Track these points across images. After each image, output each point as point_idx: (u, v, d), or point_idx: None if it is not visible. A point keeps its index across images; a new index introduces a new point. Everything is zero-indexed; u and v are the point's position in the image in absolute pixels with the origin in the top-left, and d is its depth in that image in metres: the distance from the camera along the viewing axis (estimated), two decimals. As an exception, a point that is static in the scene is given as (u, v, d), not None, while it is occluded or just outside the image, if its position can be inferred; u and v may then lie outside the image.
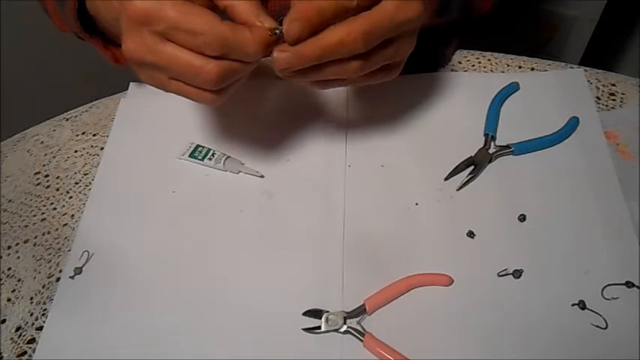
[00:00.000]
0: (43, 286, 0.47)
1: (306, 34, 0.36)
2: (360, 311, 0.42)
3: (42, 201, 0.53)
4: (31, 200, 0.53)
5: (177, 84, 0.39)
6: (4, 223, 0.52)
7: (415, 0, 0.39)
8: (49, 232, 0.51)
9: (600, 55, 1.25)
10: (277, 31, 0.36)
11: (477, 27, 0.61)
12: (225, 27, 0.35)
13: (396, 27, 0.39)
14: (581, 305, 0.41)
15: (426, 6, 0.41)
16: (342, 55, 0.37)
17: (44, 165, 0.56)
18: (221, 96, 0.39)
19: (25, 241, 0.50)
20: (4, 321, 0.45)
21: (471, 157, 0.50)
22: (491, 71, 0.58)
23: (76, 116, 0.60)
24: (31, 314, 0.46)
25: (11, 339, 0.44)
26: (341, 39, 0.36)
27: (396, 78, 0.57)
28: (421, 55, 0.48)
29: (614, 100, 0.54)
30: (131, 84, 0.60)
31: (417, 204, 0.48)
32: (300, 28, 0.36)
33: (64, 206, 0.52)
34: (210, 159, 0.52)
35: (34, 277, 0.48)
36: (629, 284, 0.42)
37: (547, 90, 0.55)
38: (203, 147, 0.53)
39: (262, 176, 0.51)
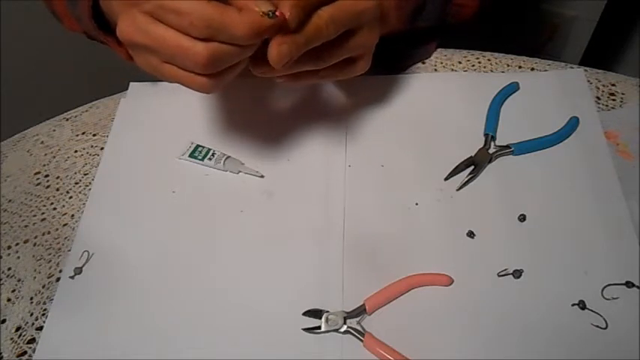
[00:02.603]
0: (43, 286, 0.47)
1: (302, 20, 0.38)
2: (360, 311, 0.42)
3: (42, 201, 0.53)
4: (31, 200, 0.53)
5: (170, 68, 0.38)
6: (4, 223, 0.52)
7: None
8: (49, 232, 0.51)
9: (600, 55, 1.25)
10: (270, 14, 0.35)
11: (460, 30, 0.62)
12: (212, 8, 0.35)
13: (357, 15, 0.42)
14: (581, 305, 0.41)
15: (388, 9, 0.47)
16: (319, 41, 0.40)
17: (44, 165, 0.56)
18: (215, 81, 0.38)
19: (25, 241, 0.50)
20: (4, 321, 0.45)
21: (470, 157, 0.50)
22: (491, 71, 0.58)
23: (76, 116, 0.60)
24: (31, 314, 0.46)
25: (11, 339, 0.44)
26: (317, 26, 0.39)
27: (396, 78, 0.57)
28: (396, 53, 0.52)
29: (614, 100, 0.54)
30: (131, 84, 0.60)
31: (417, 204, 0.48)
32: (301, 13, 0.38)
33: (64, 206, 0.52)
34: (210, 159, 0.52)
35: (34, 277, 0.48)
36: (629, 284, 0.42)
37: (547, 90, 0.55)
38: (203, 147, 0.53)
39: (262, 176, 0.51)
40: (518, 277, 0.43)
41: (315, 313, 0.43)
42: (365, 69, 0.47)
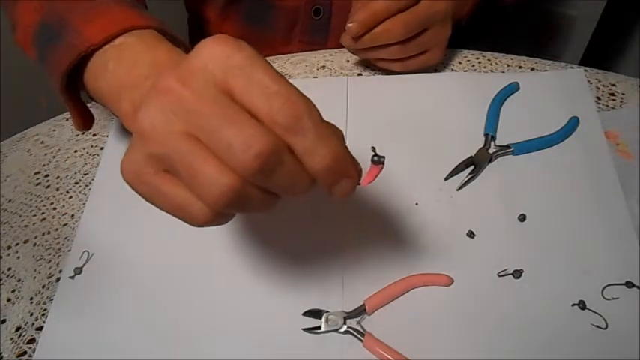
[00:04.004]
0: (43, 286, 0.47)
1: (363, 31, 0.51)
2: (360, 311, 0.42)
3: (42, 201, 0.53)
4: (31, 200, 0.53)
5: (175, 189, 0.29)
6: (4, 223, 0.52)
7: None
8: (49, 232, 0.51)
9: (600, 55, 1.25)
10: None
11: (493, 18, 0.70)
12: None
13: (429, 17, 0.52)
14: (581, 305, 0.41)
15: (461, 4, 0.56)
16: (388, 40, 0.52)
17: (44, 165, 0.56)
18: (217, 220, 0.29)
19: (25, 241, 0.50)
20: (4, 321, 0.45)
21: (470, 157, 0.50)
22: (491, 71, 0.58)
23: (76, 116, 0.60)
24: (31, 314, 0.46)
25: (11, 339, 0.44)
26: (386, 28, 0.51)
27: (396, 78, 0.58)
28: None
29: (614, 100, 0.54)
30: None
31: (417, 204, 0.48)
32: (358, 28, 0.50)
33: (64, 206, 0.52)
34: (210, 159, 0.52)
35: (34, 277, 0.48)
36: (629, 284, 0.42)
37: (547, 90, 0.55)
38: (203, 147, 0.53)
39: (262, 176, 0.51)
40: (518, 277, 0.43)
41: (315, 313, 0.43)
42: (438, 60, 0.57)
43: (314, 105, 0.28)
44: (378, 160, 0.34)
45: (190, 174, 0.27)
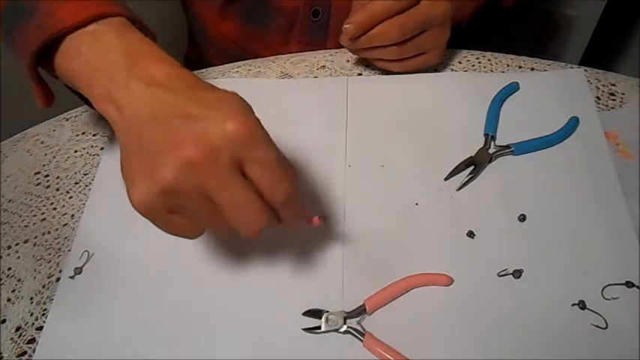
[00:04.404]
0: (43, 286, 0.47)
1: (359, 32, 0.51)
2: (360, 311, 0.42)
3: (42, 201, 0.53)
4: (31, 200, 0.53)
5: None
6: (4, 223, 0.52)
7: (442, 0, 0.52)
8: (49, 232, 0.51)
9: (600, 55, 1.25)
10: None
11: (493, 19, 0.70)
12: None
13: (426, 21, 0.52)
14: (581, 305, 0.41)
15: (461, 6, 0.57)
16: (384, 41, 0.52)
17: (44, 165, 0.56)
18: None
19: (25, 241, 0.50)
20: (4, 321, 0.45)
21: (471, 157, 0.50)
22: (491, 71, 0.58)
23: (76, 116, 0.60)
24: (31, 314, 0.46)
25: (11, 339, 0.44)
26: (382, 30, 0.51)
27: (396, 78, 0.58)
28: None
29: (614, 100, 0.54)
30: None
31: (417, 204, 0.48)
32: (355, 29, 0.51)
33: (64, 206, 0.52)
34: (210, 159, 0.52)
35: (34, 277, 0.48)
36: (629, 284, 0.42)
37: (547, 90, 0.55)
38: (203, 147, 0.53)
39: (262, 176, 0.51)
40: (518, 277, 0.43)
41: (315, 313, 0.43)
42: (436, 61, 0.57)
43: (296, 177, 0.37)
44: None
45: (201, 222, 0.37)
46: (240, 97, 0.35)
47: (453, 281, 0.43)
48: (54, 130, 0.59)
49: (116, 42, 0.38)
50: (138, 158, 0.35)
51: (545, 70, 0.57)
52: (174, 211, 0.35)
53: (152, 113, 0.34)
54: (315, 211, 0.48)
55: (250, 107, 0.35)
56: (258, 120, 0.34)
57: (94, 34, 0.39)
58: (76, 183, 0.54)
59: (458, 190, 0.49)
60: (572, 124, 0.51)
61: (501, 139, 0.51)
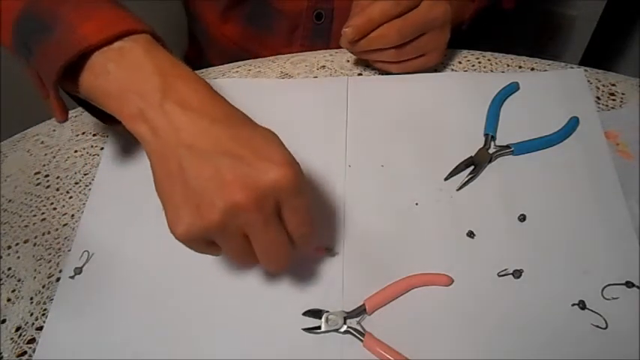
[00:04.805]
0: (43, 286, 0.47)
1: (358, 36, 0.51)
2: (360, 311, 0.42)
3: (42, 201, 0.53)
4: (31, 200, 0.53)
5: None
6: (4, 223, 0.52)
7: (441, 1, 0.52)
8: (49, 232, 0.51)
9: (600, 55, 1.25)
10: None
11: (493, 19, 0.70)
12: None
13: (425, 24, 0.52)
14: (581, 305, 0.42)
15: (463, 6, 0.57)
16: (382, 45, 0.52)
17: (44, 165, 0.56)
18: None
19: (25, 241, 0.50)
20: (4, 321, 0.45)
21: (471, 157, 0.50)
22: (491, 71, 0.58)
23: (76, 116, 0.60)
24: (31, 314, 0.46)
25: (11, 339, 0.44)
26: (381, 34, 0.51)
27: (396, 78, 0.58)
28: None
29: (614, 100, 0.54)
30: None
31: (417, 204, 0.48)
32: (353, 33, 0.51)
33: (64, 206, 0.52)
34: (210, 159, 0.52)
35: (34, 277, 0.48)
36: (629, 284, 0.42)
37: (547, 90, 0.55)
38: (203, 147, 0.53)
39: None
40: (518, 277, 0.43)
41: (315, 313, 0.43)
42: (435, 63, 0.57)
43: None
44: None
45: (236, 258, 0.41)
46: (279, 139, 0.37)
47: (453, 281, 0.43)
48: (54, 130, 0.59)
49: (145, 60, 0.38)
50: (181, 189, 0.35)
51: (545, 70, 0.57)
52: (212, 242, 0.37)
53: (194, 143, 0.35)
54: (317, 213, 0.48)
55: (289, 152, 0.37)
56: (299, 167, 0.36)
57: (121, 52, 0.39)
58: (76, 183, 0.54)
59: (458, 190, 0.49)
60: (572, 124, 0.51)
61: (501, 139, 0.51)
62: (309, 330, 0.42)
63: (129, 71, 0.38)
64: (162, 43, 0.42)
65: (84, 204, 0.52)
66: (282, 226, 0.37)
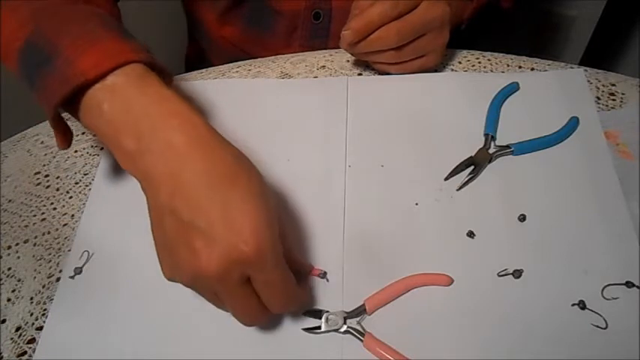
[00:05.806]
0: (43, 286, 0.47)
1: (358, 39, 0.51)
2: (360, 311, 0.42)
3: (42, 201, 0.53)
4: (31, 200, 0.53)
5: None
6: (4, 223, 0.52)
7: (440, 2, 0.52)
8: (49, 232, 0.51)
9: (600, 55, 1.25)
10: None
11: (493, 19, 0.70)
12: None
13: (424, 25, 0.52)
14: (581, 305, 0.42)
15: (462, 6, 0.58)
16: (382, 46, 0.52)
17: (44, 165, 0.56)
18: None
19: (25, 241, 0.50)
20: (4, 321, 0.45)
21: (471, 157, 0.50)
22: (491, 71, 0.58)
23: (76, 116, 0.60)
24: (31, 314, 0.46)
25: (11, 339, 0.44)
26: (380, 36, 0.51)
27: (396, 78, 0.58)
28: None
29: (614, 100, 0.54)
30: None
31: (417, 204, 0.48)
32: (352, 36, 0.51)
33: (64, 206, 0.52)
34: (210, 159, 0.52)
35: (34, 277, 0.48)
36: (629, 284, 0.42)
37: (547, 90, 0.55)
38: (203, 147, 0.53)
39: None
40: (518, 277, 0.43)
41: (315, 313, 0.43)
42: (434, 64, 0.57)
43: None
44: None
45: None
46: (258, 201, 0.36)
47: (453, 281, 0.43)
48: (54, 130, 0.59)
49: (135, 100, 0.38)
50: (163, 240, 0.37)
51: (545, 70, 0.57)
52: None
53: (171, 202, 0.36)
54: (316, 216, 0.49)
55: (266, 220, 0.36)
56: (273, 236, 0.36)
57: (113, 89, 0.39)
58: (76, 183, 0.54)
59: (458, 190, 0.49)
60: (572, 124, 0.51)
61: (501, 139, 0.51)
62: (309, 330, 0.42)
63: (120, 114, 0.38)
64: (159, 67, 0.41)
65: (84, 204, 0.52)
66: (251, 293, 0.37)
